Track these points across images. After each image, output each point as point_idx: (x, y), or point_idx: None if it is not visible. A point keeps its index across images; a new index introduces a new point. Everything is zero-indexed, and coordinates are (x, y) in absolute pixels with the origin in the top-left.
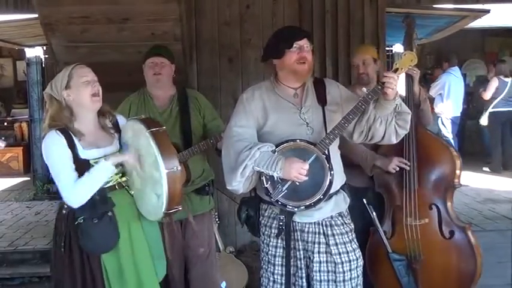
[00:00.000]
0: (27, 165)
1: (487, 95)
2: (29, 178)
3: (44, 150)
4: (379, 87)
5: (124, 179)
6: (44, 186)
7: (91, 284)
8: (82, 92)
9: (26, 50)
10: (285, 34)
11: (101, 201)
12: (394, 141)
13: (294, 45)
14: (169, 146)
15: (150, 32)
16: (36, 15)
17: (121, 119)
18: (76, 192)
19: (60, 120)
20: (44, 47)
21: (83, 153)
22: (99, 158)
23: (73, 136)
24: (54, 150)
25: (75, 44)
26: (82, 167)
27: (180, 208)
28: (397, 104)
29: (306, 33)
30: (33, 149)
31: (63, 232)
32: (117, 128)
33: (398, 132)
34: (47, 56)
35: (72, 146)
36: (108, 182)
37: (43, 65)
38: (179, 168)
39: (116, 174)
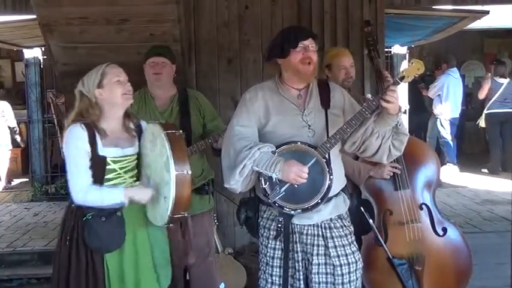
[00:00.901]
0: (26, 166)
1: (480, 95)
2: (27, 179)
3: (64, 140)
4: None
5: (137, 183)
6: (42, 187)
7: (93, 279)
8: (114, 91)
9: (25, 51)
10: (291, 34)
11: None
12: (385, 161)
13: (300, 45)
14: (183, 150)
15: (149, 32)
16: (35, 16)
17: (144, 124)
18: (86, 195)
19: (88, 117)
20: (43, 48)
21: (102, 151)
22: (118, 157)
23: (96, 133)
24: (74, 143)
25: (74, 44)
26: (99, 163)
27: (186, 214)
28: (398, 121)
29: (312, 34)
30: (31, 150)
31: (70, 226)
32: (139, 131)
33: (391, 152)
34: (45, 57)
35: (93, 142)
36: (121, 184)
37: (41, 66)
38: (189, 173)
39: (130, 177)
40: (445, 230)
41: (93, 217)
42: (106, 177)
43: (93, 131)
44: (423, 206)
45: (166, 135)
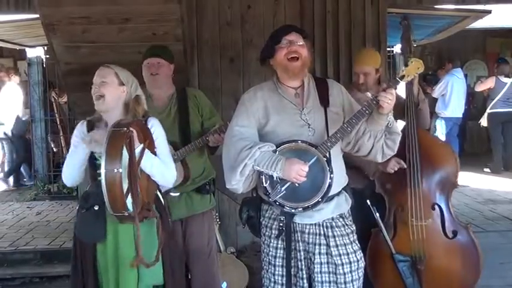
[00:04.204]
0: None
1: (479, 87)
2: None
3: None
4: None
5: None
6: (44, 186)
7: (84, 267)
8: None
9: (27, 50)
10: (275, 32)
11: (93, 194)
12: (380, 160)
13: (283, 40)
14: (118, 148)
15: (151, 32)
16: (38, 16)
17: (152, 121)
18: (63, 169)
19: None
20: (45, 47)
21: None
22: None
23: (95, 128)
24: (73, 135)
25: (76, 44)
26: (90, 158)
27: (126, 214)
28: (389, 121)
29: (294, 28)
30: (34, 149)
31: None
32: None
33: (385, 151)
34: (47, 56)
35: None
36: None
37: (44, 65)
38: (119, 171)
39: None
40: (455, 233)
41: (79, 207)
42: (97, 171)
43: (92, 127)
44: (436, 206)
45: (111, 132)
